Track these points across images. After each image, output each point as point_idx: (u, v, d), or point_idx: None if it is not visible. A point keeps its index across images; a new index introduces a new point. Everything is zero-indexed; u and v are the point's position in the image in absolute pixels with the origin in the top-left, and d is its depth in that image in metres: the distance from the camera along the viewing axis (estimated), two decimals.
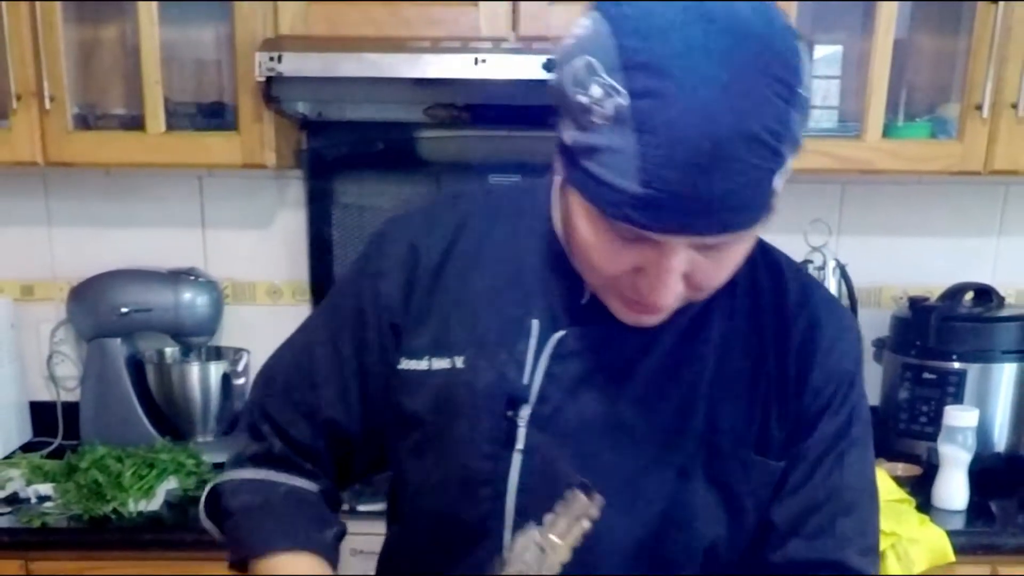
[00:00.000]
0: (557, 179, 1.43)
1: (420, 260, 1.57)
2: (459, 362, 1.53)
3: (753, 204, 1.23)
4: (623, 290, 1.37)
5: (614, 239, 1.28)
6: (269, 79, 2.79)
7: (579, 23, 1.26)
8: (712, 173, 1.16)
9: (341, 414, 1.64)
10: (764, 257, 1.57)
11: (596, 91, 1.18)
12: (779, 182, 1.25)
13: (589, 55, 1.20)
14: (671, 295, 1.32)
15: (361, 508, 2.89)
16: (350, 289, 1.68)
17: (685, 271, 1.29)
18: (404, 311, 1.57)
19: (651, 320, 1.41)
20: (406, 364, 1.56)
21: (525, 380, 1.49)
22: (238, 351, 3.49)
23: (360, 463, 1.75)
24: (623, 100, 1.16)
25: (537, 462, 1.49)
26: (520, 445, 1.49)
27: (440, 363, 1.53)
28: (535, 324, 1.50)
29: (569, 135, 1.27)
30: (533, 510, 1.46)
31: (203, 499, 1.76)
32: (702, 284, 1.34)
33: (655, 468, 1.50)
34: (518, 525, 1.48)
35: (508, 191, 1.64)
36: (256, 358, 3.51)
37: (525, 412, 1.49)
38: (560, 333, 1.49)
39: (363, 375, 1.61)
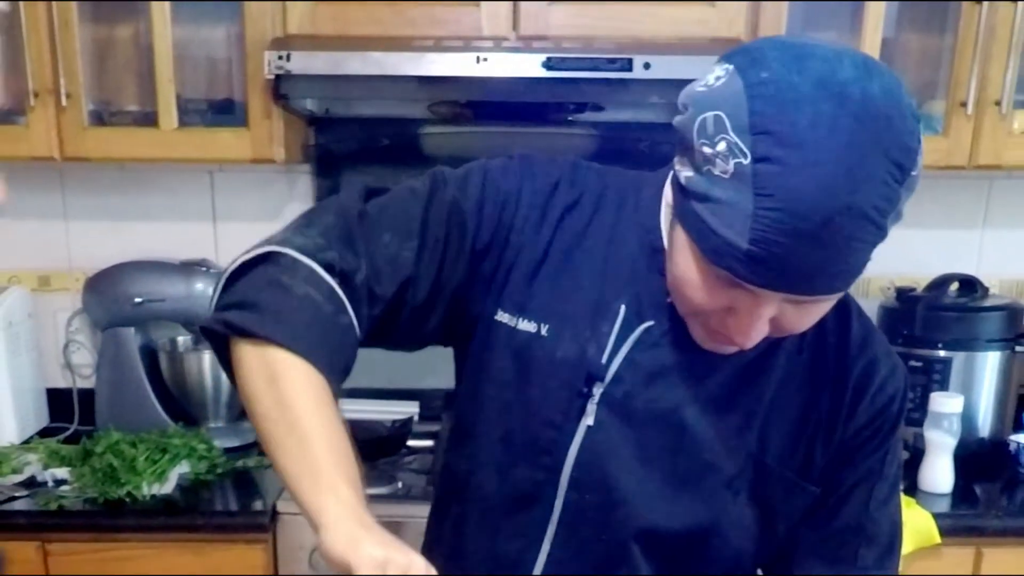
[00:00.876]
0: (669, 198, 1.44)
1: (546, 216, 1.55)
2: (544, 329, 1.53)
3: (851, 272, 1.26)
4: (710, 323, 1.40)
5: (713, 281, 1.31)
6: (278, 77, 2.79)
7: (715, 71, 1.28)
8: (818, 243, 1.19)
9: (420, 277, 1.53)
10: None
11: (722, 146, 1.21)
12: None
13: (720, 110, 1.22)
14: (756, 337, 1.37)
15: (368, 491, 2.87)
16: (475, 182, 1.58)
17: (773, 316, 1.33)
18: (503, 246, 1.55)
19: (729, 351, 1.45)
20: (500, 316, 1.56)
21: (604, 360, 1.50)
22: None
23: (392, 337, 1.59)
24: (745, 160, 1.19)
25: (599, 440, 1.52)
26: (589, 421, 1.51)
27: (526, 325, 1.54)
28: (622, 309, 1.51)
29: (686, 176, 1.30)
30: (586, 485, 1.53)
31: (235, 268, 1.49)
32: (786, 329, 1.37)
33: (706, 475, 1.54)
34: (569, 497, 1.53)
35: (617, 179, 1.61)
36: None
37: (598, 390, 1.51)
38: (649, 323, 1.51)
39: (441, 262, 1.53)
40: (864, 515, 1.60)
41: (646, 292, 1.51)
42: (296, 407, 1.35)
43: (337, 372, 1.45)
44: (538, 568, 1.58)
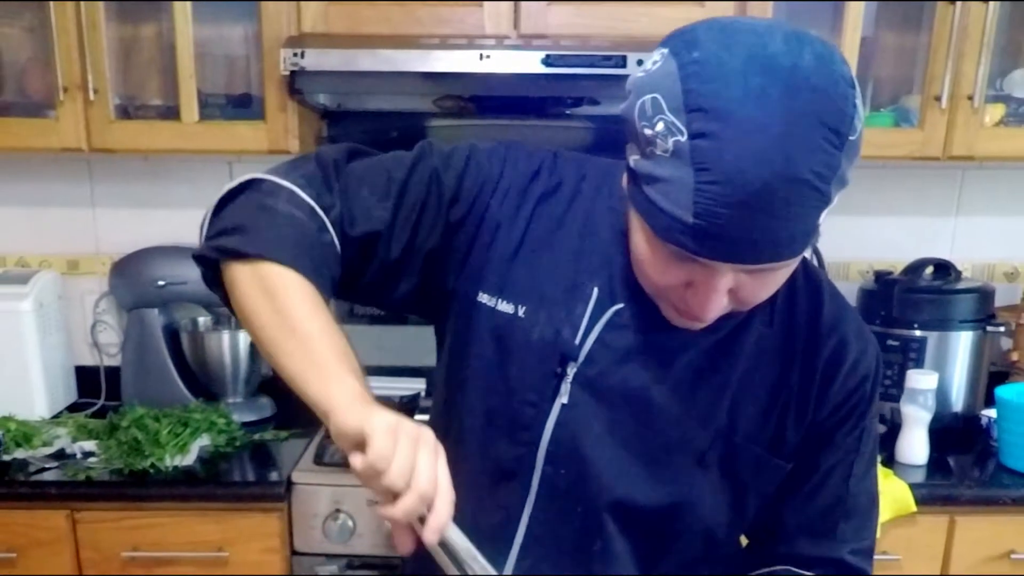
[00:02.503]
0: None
1: (525, 201, 1.56)
2: (521, 311, 1.53)
3: (797, 238, 1.25)
4: (673, 300, 1.39)
5: (667, 257, 1.31)
6: (293, 73, 2.80)
7: (653, 56, 1.28)
8: (760, 212, 1.18)
9: (393, 235, 1.54)
10: (805, 275, 1.57)
11: (660, 126, 1.21)
12: (823, 215, 1.26)
13: (657, 92, 1.22)
14: (716, 309, 1.35)
15: None
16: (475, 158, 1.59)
17: (731, 287, 1.32)
18: (479, 223, 1.55)
19: (697, 326, 1.43)
20: (481, 297, 1.55)
21: (577, 341, 1.50)
22: None
23: (359, 286, 1.58)
24: (683, 138, 1.18)
25: (573, 417, 1.51)
26: (564, 399, 1.51)
27: (505, 307, 1.54)
28: (595, 292, 1.51)
29: (634, 159, 1.30)
30: (561, 460, 1.52)
31: (227, 190, 1.52)
32: (746, 300, 1.36)
33: (676, 451, 1.53)
34: (546, 472, 1.53)
35: (595, 167, 1.61)
36: None
37: (571, 370, 1.50)
38: (619, 305, 1.50)
39: (416, 226, 1.53)
40: (843, 491, 1.60)
41: (618, 275, 1.51)
42: (294, 313, 1.37)
43: (325, 282, 1.46)
44: (518, 540, 1.58)
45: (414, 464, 1.20)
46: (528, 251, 1.54)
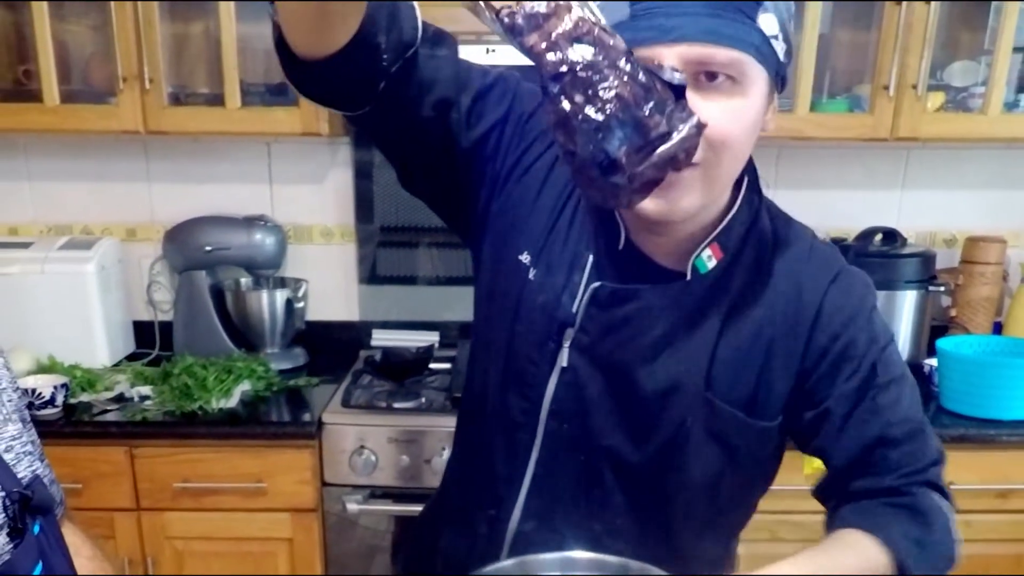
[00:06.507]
0: None
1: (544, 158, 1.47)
2: (531, 274, 1.46)
3: (735, 23, 1.19)
4: None
5: None
6: None
7: None
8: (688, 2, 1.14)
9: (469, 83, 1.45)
10: (786, 230, 1.47)
11: None
12: (767, 26, 1.22)
13: None
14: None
15: (396, 405, 2.94)
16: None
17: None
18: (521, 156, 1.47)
19: (673, 206, 1.29)
20: (524, 257, 1.46)
21: (574, 308, 1.43)
22: (298, 280, 3.53)
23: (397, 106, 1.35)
24: None
25: (572, 380, 1.45)
26: (563, 362, 1.44)
27: (532, 272, 1.46)
28: (589, 259, 1.43)
29: None
30: (563, 416, 1.47)
31: None
32: (712, 136, 1.20)
33: (661, 414, 1.43)
34: (550, 426, 1.48)
35: None
36: (313, 287, 3.60)
37: (569, 336, 1.44)
38: (596, 284, 1.41)
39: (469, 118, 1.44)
40: (879, 427, 1.39)
41: (604, 242, 1.44)
42: None
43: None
44: (525, 485, 1.52)
45: None
46: (543, 214, 1.47)
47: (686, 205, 1.29)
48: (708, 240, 1.38)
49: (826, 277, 1.43)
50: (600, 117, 0.95)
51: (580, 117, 0.95)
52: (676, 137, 0.98)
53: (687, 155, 1.00)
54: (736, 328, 1.41)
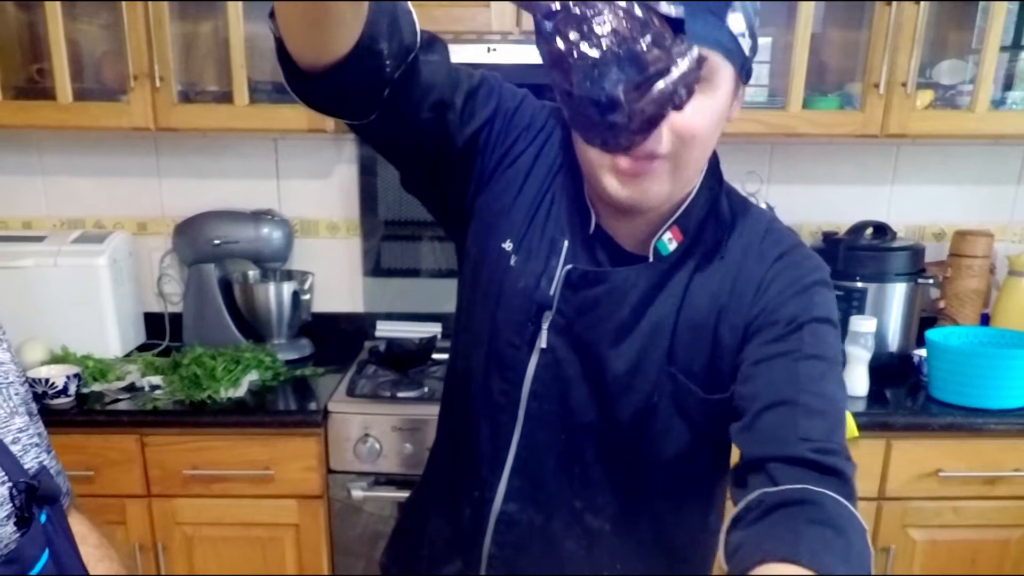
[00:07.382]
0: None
1: (543, 151, 1.49)
2: (512, 260, 1.49)
3: (706, 23, 1.23)
4: (617, 161, 1.30)
5: None
6: None
7: None
8: None
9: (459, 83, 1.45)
10: (744, 213, 1.50)
11: None
12: (735, 24, 1.25)
13: None
14: (658, 138, 1.27)
15: (400, 394, 2.95)
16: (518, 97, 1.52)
17: None
18: (505, 153, 1.49)
19: (644, 194, 1.34)
20: (506, 244, 1.49)
21: (551, 291, 1.45)
22: (304, 273, 3.54)
23: (401, 106, 1.35)
24: None
25: (551, 361, 1.48)
26: (542, 344, 1.47)
27: (513, 259, 1.48)
28: (565, 244, 1.46)
29: None
30: (543, 397, 1.50)
31: None
32: (682, 130, 1.26)
33: (631, 391, 1.46)
34: (531, 406, 1.50)
35: (562, 121, 1.49)
36: (319, 279, 3.61)
37: (547, 318, 1.46)
38: (568, 267, 1.44)
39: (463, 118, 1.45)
40: (794, 389, 1.29)
41: (577, 227, 1.47)
42: None
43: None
44: (508, 463, 1.54)
45: None
46: (526, 202, 1.49)
47: (656, 193, 1.35)
48: (668, 223, 1.44)
49: (775, 252, 1.45)
50: (596, 53, 0.91)
51: (575, 55, 0.92)
52: (676, 72, 0.94)
53: (688, 91, 0.96)
54: (694, 305, 1.43)
